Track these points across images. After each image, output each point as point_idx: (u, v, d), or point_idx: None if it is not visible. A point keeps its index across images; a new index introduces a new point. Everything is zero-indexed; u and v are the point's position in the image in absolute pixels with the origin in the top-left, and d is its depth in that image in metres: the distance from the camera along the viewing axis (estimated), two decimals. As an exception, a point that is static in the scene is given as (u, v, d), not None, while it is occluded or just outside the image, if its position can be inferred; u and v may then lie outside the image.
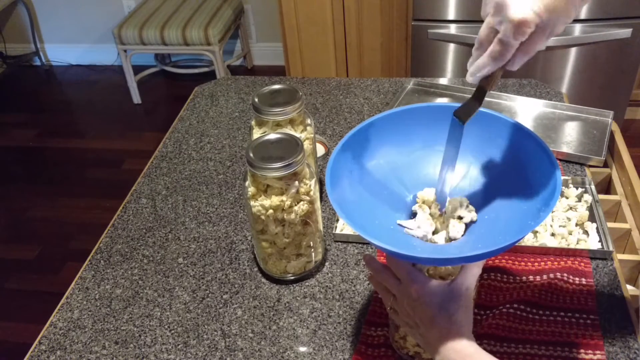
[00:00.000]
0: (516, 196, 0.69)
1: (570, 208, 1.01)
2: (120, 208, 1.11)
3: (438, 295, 0.64)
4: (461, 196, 0.73)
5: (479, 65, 0.62)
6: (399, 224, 0.72)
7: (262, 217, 0.85)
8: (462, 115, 0.66)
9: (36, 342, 0.88)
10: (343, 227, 1.01)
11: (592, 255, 0.93)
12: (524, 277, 0.90)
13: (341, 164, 0.71)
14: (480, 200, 0.73)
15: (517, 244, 0.94)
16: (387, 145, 0.75)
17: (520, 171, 0.70)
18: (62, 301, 0.94)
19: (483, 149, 0.74)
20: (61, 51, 3.54)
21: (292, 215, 0.84)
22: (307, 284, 0.93)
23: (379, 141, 0.75)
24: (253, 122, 0.97)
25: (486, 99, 0.65)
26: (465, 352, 0.62)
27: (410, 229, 0.71)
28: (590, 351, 0.79)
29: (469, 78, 0.64)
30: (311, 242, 0.91)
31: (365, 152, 0.74)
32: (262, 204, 0.83)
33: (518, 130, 0.72)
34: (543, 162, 0.67)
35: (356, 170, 0.73)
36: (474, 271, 0.66)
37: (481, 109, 0.66)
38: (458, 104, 0.68)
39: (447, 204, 0.72)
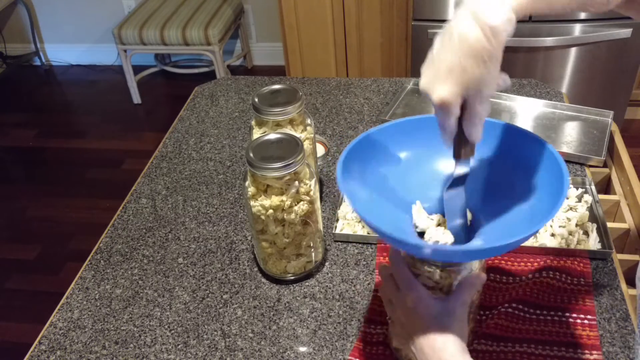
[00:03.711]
0: (522, 198, 0.69)
1: (570, 208, 1.01)
2: (120, 208, 1.12)
3: (433, 308, 0.65)
4: (440, 214, 0.73)
5: (443, 138, 0.64)
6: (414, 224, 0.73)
7: (262, 217, 0.85)
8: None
9: (36, 342, 0.88)
10: (343, 227, 1.01)
11: (592, 255, 0.93)
12: (524, 277, 0.90)
13: (354, 158, 0.70)
14: (484, 204, 0.73)
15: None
16: (401, 151, 0.75)
17: (522, 173, 0.70)
18: (62, 301, 0.94)
19: (482, 156, 0.74)
20: (61, 51, 3.54)
21: (292, 215, 0.84)
22: (307, 284, 0.93)
23: (395, 146, 0.75)
24: (253, 122, 0.97)
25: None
26: None
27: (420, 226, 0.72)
28: (587, 351, 0.79)
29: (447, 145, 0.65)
30: (311, 242, 0.91)
31: (380, 154, 0.74)
32: (262, 204, 0.83)
33: (517, 132, 0.71)
34: (548, 160, 0.67)
35: (368, 171, 0.72)
36: (472, 286, 0.67)
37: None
38: None
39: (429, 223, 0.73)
